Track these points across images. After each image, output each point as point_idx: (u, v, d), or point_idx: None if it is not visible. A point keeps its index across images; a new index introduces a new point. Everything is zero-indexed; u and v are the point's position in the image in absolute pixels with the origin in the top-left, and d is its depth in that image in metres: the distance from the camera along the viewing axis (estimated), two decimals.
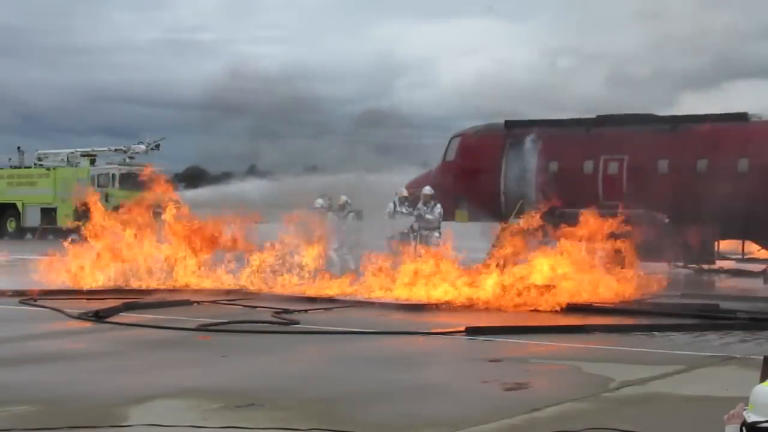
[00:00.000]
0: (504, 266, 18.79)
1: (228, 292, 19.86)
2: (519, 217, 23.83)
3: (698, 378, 11.04)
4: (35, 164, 49.11)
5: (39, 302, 17.95)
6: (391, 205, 26.78)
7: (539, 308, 17.28)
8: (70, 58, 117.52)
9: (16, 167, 49.81)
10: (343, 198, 26.42)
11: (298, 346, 13.28)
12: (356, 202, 26.99)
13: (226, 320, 15.36)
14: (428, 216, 25.37)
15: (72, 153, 48.21)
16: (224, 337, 14.12)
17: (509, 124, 28.32)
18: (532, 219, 20.66)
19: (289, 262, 21.51)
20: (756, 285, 24.07)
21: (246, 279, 20.97)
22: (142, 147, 47.38)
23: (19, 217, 47.72)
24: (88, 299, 18.40)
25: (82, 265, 20.94)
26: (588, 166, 26.19)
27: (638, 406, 9.31)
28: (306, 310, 17.08)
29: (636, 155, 25.52)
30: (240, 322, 15.32)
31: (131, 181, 45.58)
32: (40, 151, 49.94)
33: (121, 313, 16.20)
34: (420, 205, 26.58)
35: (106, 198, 44.81)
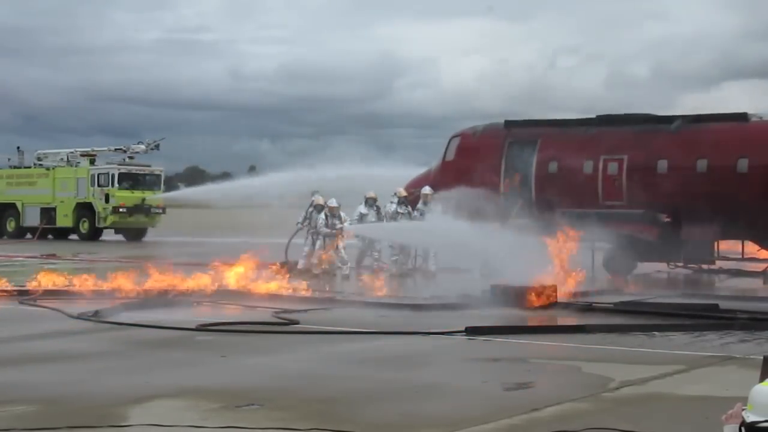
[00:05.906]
0: None
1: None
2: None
3: (698, 378, 11.03)
4: (35, 164, 49.11)
5: (39, 302, 17.94)
6: (392, 205, 26.83)
7: None
8: (71, 58, 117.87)
9: (15, 167, 49.81)
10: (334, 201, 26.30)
11: (298, 346, 13.27)
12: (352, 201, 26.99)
13: (226, 320, 15.37)
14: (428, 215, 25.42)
15: (72, 153, 48.22)
16: (224, 337, 14.11)
17: (509, 124, 28.31)
18: None
19: None
20: (756, 285, 24.06)
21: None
22: (142, 147, 47.45)
23: (19, 217, 47.72)
24: (88, 299, 18.38)
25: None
26: (588, 166, 26.17)
27: (638, 406, 9.30)
28: (306, 310, 17.08)
29: (636, 155, 25.50)
30: (240, 323, 15.31)
31: (131, 181, 45.64)
32: (39, 151, 49.97)
33: (120, 313, 16.19)
34: (420, 204, 26.62)
35: (106, 198, 44.88)
